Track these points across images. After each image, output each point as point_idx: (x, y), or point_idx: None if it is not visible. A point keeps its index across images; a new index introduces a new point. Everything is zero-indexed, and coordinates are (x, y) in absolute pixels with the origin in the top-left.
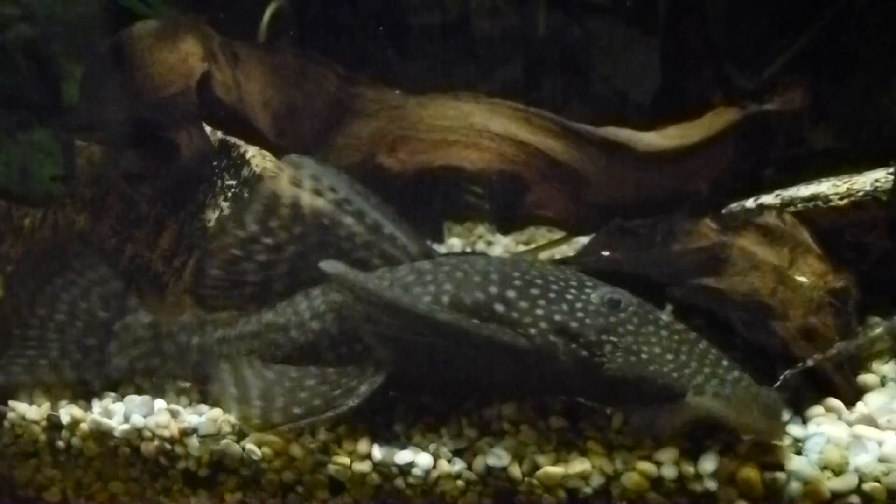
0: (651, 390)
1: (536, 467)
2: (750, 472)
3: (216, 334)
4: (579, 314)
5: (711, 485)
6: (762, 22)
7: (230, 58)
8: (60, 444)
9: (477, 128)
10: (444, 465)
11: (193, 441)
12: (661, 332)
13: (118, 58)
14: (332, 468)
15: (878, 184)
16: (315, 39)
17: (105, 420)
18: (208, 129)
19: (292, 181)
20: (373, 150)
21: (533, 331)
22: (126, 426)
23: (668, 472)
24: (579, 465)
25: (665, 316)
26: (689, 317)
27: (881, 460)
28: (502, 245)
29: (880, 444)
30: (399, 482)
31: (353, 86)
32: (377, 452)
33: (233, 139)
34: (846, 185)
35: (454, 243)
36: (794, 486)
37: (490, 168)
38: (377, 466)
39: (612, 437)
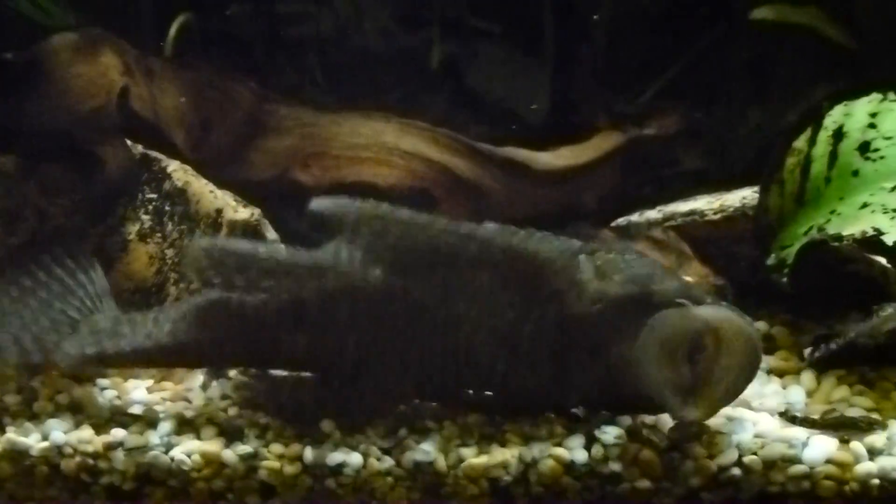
0: None
1: (461, 460)
2: (649, 454)
3: None
4: None
5: (617, 467)
6: (639, 51)
7: (145, 72)
8: None
9: (388, 146)
10: (374, 463)
11: (119, 454)
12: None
13: (35, 70)
14: (262, 473)
15: (745, 200)
16: (222, 54)
17: (21, 439)
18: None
19: None
20: (287, 166)
21: None
22: (45, 444)
23: (579, 456)
24: (500, 456)
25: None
26: None
27: (756, 436)
28: None
29: (755, 423)
30: (330, 482)
31: (268, 103)
32: (308, 454)
33: (154, 153)
34: (719, 202)
35: None
36: (688, 464)
37: (401, 184)
38: (308, 468)
39: (527, 429)
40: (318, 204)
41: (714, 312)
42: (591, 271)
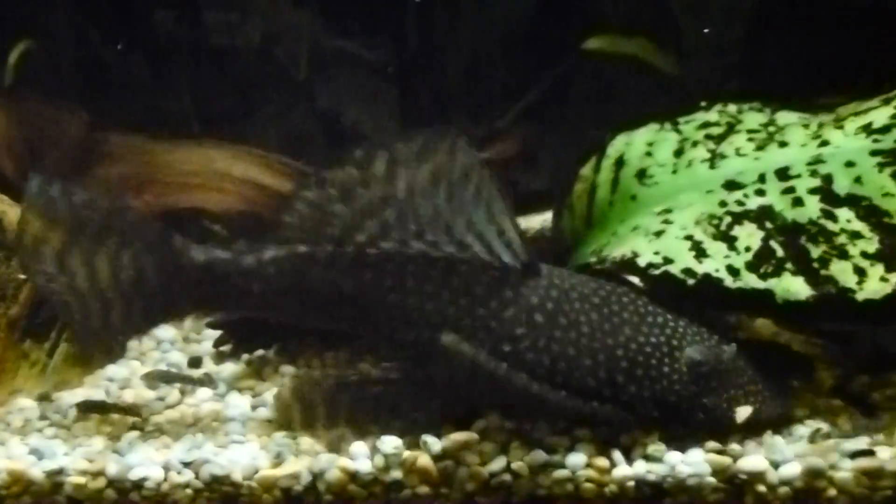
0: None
1: (256, 472)
2: (425, 461)
3: None
4: (676, 386)
5: (398, 474)
6: (495, 78)
7: None
8: None
9: (220, 172)
10: (174, 476)
11: None
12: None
13: None
14: (68, 488)
15: (545, 223)
16: (65, 80)
17: None
18: None
19: None
20: (119, 193)
21: (640, 410)
22: None
23: (363, 466)
24: (291, 467)
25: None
26: None
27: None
28: None
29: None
30: (134, 496)
31: (99, 131)
32: (112, 469)
33: None
34: (526, 224)
35: None
36: (462, 470)
37: (232, 209)
38: (112, 483)
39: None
40: None
41: None
42: None
